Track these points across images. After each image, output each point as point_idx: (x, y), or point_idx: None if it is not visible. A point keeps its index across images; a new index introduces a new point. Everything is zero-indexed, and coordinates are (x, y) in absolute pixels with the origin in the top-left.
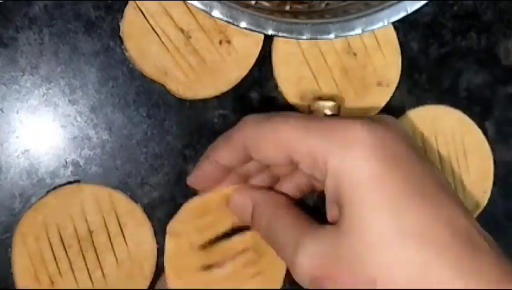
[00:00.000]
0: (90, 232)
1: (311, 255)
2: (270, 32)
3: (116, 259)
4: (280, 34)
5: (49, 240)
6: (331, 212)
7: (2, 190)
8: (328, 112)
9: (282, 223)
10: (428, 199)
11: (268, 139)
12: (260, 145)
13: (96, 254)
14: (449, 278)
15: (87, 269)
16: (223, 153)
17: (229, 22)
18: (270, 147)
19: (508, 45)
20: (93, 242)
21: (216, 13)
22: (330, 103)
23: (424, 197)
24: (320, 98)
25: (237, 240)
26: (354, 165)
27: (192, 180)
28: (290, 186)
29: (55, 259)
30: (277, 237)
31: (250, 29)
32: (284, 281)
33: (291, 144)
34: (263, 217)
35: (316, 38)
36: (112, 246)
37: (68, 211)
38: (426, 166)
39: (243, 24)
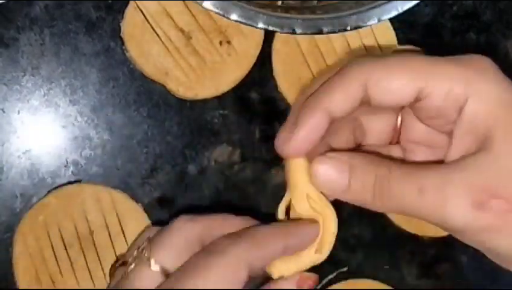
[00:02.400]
0: (91, 232)
1: (465, 184)
2: (260, 25)
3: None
4: (270, 27)
5: (50, 240)
6: (463, 144)
7: (3, 190)
8: None
9: (401, 173)
10: None
11: (399, 70)
12: (388, 77)
13: (97, 254)
14: None
15: (88, 269)
16: (336, 96)
17: (219, 14)
18: (402, 78)
19: (508, 45)
20: (93, 242)
21: (207, 5)
22: None
23: None
24: None
25: None
26: (498, 87)
27: (287, 144)
28: (380, 134)
29: (56, 258)
30: (396, 190)
31: (241, 22)
32: None
33: (427, 71)
34: (369, 176)
35: (307, 34)
36: (112, 245)
37: (69, 210)
38: None
39: (234, 16)
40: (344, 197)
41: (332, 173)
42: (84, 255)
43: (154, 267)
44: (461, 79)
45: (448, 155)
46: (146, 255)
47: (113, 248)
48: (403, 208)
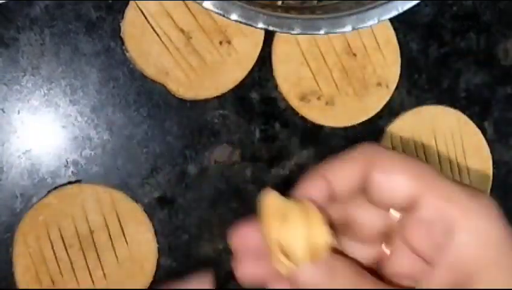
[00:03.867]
0: (91, 232)
1: None
2: (260, 25)
3: (117, 258)
4: (270, 27)
5: (50, 240)
6: (443, 276)
7: (3, 190)
8: None
9: None
10: None
11: (402, 166)
12: (390, 169)
13: (97, 254)
14: None
15: (88, 269)
16: (339, 169)
17: (219, 14)
18: (403, 174)
19: (507, 46)
20: (94, 242)
21: (207, 5)
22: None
23: None
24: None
25: None
26: (497, 229)
27: (296, 193)
28: (361, 257)
29: (56, 259)
30: None
31: (241, 22)
32: None
33: (427, 180)
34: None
35: (306, 34)
36: (112, 245)
37: (69, 210)
38: None
39: (234, 16)
40: None
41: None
42: (85, 256)
43: None
44: (458, 203)
45: (426, 282)
46: None
47: (113, 247)
48: None
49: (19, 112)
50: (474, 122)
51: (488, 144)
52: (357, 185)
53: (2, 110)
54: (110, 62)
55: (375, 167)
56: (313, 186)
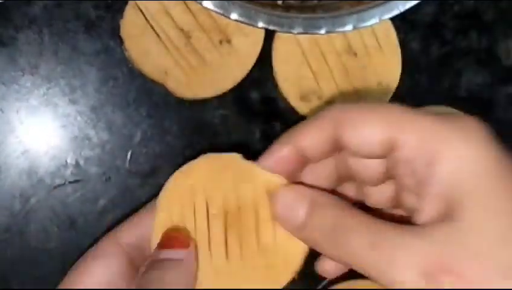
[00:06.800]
0: (239, 208)
1: (419, 253)
2: (260, 24)
3: (259, 244)
4: (271, 27)
5: (194, 209)
6: (431, 208)
7: (2, 191)
8: None
9: (356, 222)
10: None
11: (371, 116)
12: (359, 122)
13: (240, 233)
14: None
15: (226, 245)
16: (306, 133)
17: (219, 13)
18: (373, 124)
19: (508, 45)
20: (240, 219)
21: (207, 4)
22: None
23: None
24: None
25: None
26: (482, 151)
27: (262, 164)
28: (380, 197)
29: (195, 229)
30: (348, 239)
31: (241, 21)
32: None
33: (400, 120)
34: (326, 218)
35: (307, 33)
36: (256, 229)
37: (220, 180)
38: None
39: (234, 16)
40: (298, 235)
41: (290, 204)
42: (226, 231)
43: None
44: (437, 134)
45: (417, 218)
46: None
47: (257, 232)
48: (353, 260)
49: (17, 112)
50: None
51: None
52: (329, 146)
53: (1, 109)
54: (110, 61)
55: (344, 125)
56: (280, 156)
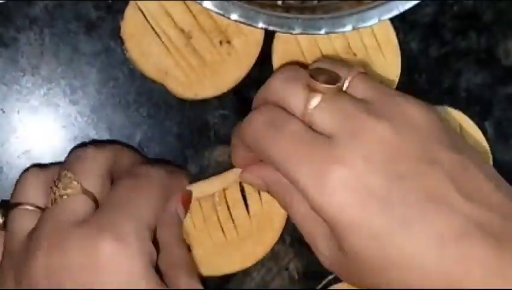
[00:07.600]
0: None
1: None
2: (260, 25)
3: (249, 212)
4: (270, 27)
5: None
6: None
7: (3, 191)
8: None
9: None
10: None
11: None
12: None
13: (228, 209)
14: None
15: (219, 220)
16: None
17: (219, 14)
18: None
19: (508, 45)
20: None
21: (207, 4)
22: None
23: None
24: None
25: None
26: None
27: (234, 163)
28: None
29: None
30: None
31: (241, 22)
32: None
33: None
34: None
35: (307, 33)
36: (245, 202)
37: None
38: None
39: (234, 16)
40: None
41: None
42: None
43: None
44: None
45: None
46: (75, 182)
47: (246, 204)
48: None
49: (18, 112)
50: (474, 122)
51: (489, 144)
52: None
53: (2, 110)
54: (110, 62)
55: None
56: (240, 154)
